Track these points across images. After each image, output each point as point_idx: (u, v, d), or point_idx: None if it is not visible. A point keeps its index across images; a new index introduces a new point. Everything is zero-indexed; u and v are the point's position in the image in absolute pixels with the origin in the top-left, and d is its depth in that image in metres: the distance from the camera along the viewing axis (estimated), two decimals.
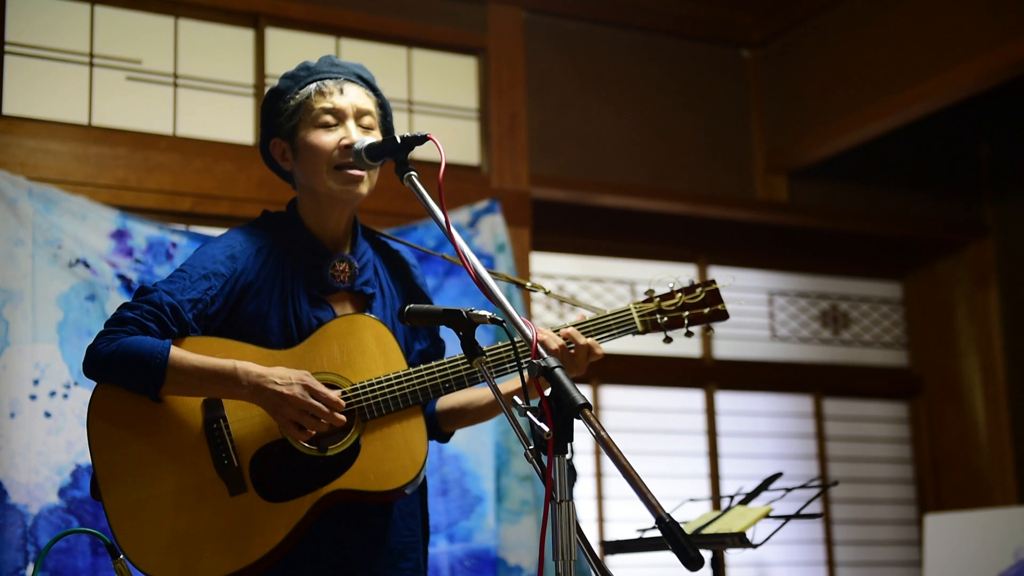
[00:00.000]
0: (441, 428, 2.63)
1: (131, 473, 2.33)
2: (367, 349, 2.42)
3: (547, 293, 2.75)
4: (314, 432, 2.31)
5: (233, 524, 2.32)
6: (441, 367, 2.41)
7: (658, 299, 2.55)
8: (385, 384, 2.38)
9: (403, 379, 2.39)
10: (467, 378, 2.41)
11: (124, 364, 2.29)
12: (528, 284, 2.76)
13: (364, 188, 2.47)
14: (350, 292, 2.53)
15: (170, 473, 2.33)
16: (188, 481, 2.33)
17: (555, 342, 2.41)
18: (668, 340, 2.58)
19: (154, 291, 2.37)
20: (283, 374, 2.29)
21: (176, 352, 2.30)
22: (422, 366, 2.41)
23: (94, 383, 2.39)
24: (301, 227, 2.52)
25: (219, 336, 2.41)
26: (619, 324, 2.51)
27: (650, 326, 2.54)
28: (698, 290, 2.56)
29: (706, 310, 2.55)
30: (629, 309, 2.53)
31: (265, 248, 2.48)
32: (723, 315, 2.56)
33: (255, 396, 2.29)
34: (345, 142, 2.45)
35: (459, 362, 2.41)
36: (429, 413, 2.62)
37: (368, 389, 2.38)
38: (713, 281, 2.58)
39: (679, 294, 2.56)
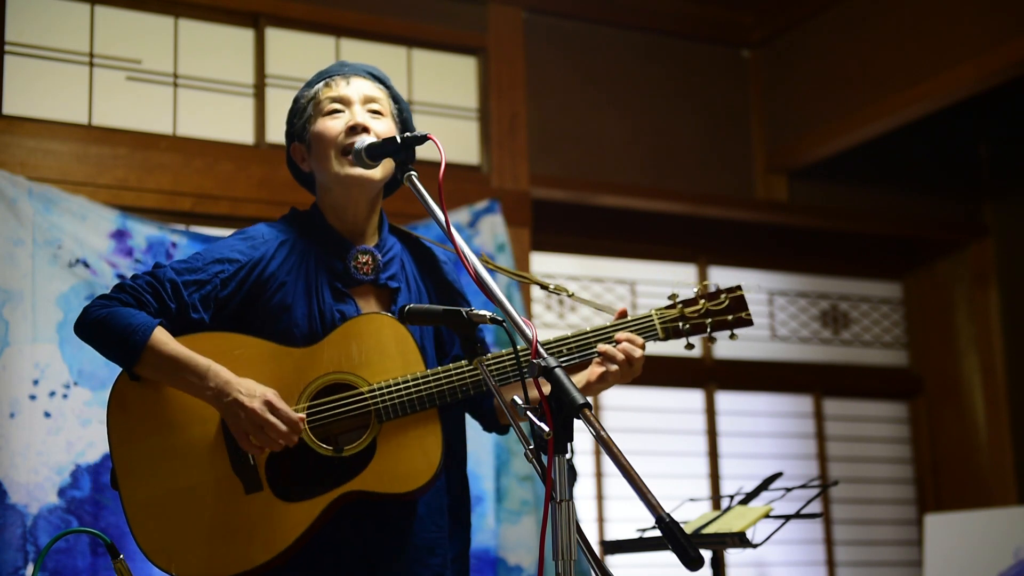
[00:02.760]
0: (499, 421, 2.65)
1: (149, 467, 2.35)
2: (386, 349, 2.41)
3: (571, 295, 2.71)
4: (266, 448, 2.30)
5: (248, 522, 2.32)
6: (459, 370, 2.39)
7: (680, 305, 2.52)
8: (403, 386, 2.37)
9: (420, 381, 2.38)
10: (485, 383, 2.40)
11: (108, 332, 2.32)
12: (551, 286, 2.72)
13: (376, 173, 2.46)
14: (374, 285, 2.52)
15: (187, 469, 2.35)
16: (204, 477, 2.34)
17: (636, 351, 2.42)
18: (690, 347, 2.54)
19: (163, 268, 2.40)
20: (249, 387, 2.29)
21: (159, 335, 2.30)
22: (440, 368, 2.40)
23: (99, 389, 2.40)
24: (323, 222, 2.53)
25: (243, 325, 2.41)
26: (638, 331, 2.48)
27: (671, 333, 2.50)
28: (723, 296, 2.52)
29: (730, 317, 2.51)
30: (651, 316, 2.50)
31: (289, 241, 2.49)
32: (747, 322, 2.52)
33: (217, 399, 2.30)
34: (351, 123, 2.46)
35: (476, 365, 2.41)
36: (489, 406, 2.63)
37: (385, 390, 2.37)
38: (739, 287, 2.53)
39: (703, 300, 2.52)
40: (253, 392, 2.28)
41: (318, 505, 2.33)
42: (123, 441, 2.37)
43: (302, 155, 2.56)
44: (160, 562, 2.31)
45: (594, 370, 2.45)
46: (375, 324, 2.43)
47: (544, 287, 2.74)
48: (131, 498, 2.34)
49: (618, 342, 2.44)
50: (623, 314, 2.53)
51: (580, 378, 2.47)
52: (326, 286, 2.46)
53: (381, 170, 2.47)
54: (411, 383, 2.38)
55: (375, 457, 2.36)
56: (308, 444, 2.35)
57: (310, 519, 2.32)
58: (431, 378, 2.38)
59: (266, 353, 2.38)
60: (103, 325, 2.33)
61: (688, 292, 2.55)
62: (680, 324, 2.50)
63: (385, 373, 2.40)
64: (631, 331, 2.47)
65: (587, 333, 2.47)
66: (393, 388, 2.37)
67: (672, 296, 2.54)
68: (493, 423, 2.66)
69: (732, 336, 2.54)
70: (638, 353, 2.43)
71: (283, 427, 2.28)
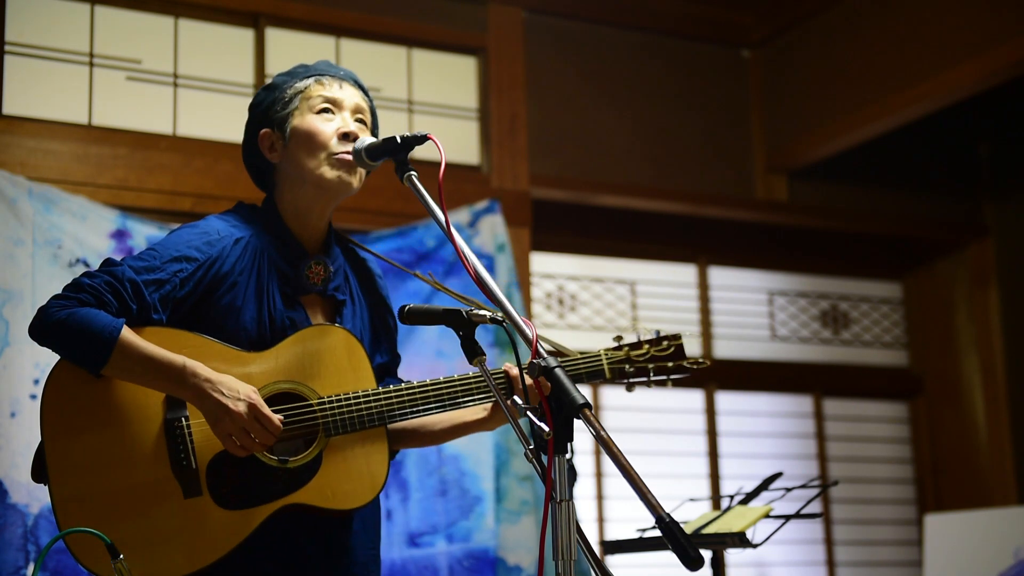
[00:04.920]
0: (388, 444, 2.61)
1: (84, 463, 2.25)
2: (338, 362, 2.37)
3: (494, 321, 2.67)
4: (248, 451, 2.24)
5: (184, 527, 2.25)
6: (410, 390, 2.37)
7: (627, 348, 2.54)
8: (353, 401, 2.34)
9: (371, 398, 2.34)
10: (435, 404, 2.39)
11: (72, 334, 2.21)
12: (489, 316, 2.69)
13: (355, 181, 2.44)
14: (321, 296, 2.48)
15: (125, 468, 2.25)
16: (142, 478, 2.25)
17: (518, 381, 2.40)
18: (630, 389, 2.57)
19: (119, 265, 2.30)
20: (232, 386, 2.22)
21: (127, 335, 2.21)
22: (391, 388, 2.37)
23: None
24: (280, 223, 2.47)
25: (190, 323, 2.33)
26: (588, 369, 2.50)
27: (617, 375, 2.53)
28: (665, 343, 2.56)
29: (670, 364, 2.56)
30: (600, 356, 2.52)
31: (243, 240, 2.41)
32: (685, 370, 2.57)
33: (197, 400, 2.22)
34: (343, 130, 2.42)
35: (428, 387, 2.38)
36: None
37: (335, 404, 2.33)
38: (679, 336, 2.58)
39: (647, 345, 2.56)
40: (237, 393, 2.21)
41: (259, 515, 2.27)
42: (58, 434, 2.25)
43: (271, 143, 2.48)
44: (89, 563, 2.21)
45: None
46: (331, 337, 2.39)
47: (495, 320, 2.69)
48: (63, 495, 2.23)
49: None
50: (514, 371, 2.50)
51: (477, 411, 2.50)
52: (277, 291, 2.41)
53: (358, 179, 2.45)
54: (362, 399, 2.34)
55: (320, 471, 2.31)
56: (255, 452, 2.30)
57: (249, 528, 2.26)
58: (382, 396, 2.35)
59: (214, 353, 2.30)
60: (65, 328, 2.21)
61: (632, 336, 2.58)
62: (626, 366, 2.53)
63: (336, 387, 2.35)
64: (580, 368, 2.49)
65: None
66: (344, 403, 2.33)
67: (617, 338, 2.57)
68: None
69: (668, 383, 2.58)
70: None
71: (268, 433, 2.23)
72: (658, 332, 2.59)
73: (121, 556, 2.10)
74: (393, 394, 2.36)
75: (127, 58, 4.58)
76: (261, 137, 2.50)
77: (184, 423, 2.28)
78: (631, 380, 2.55)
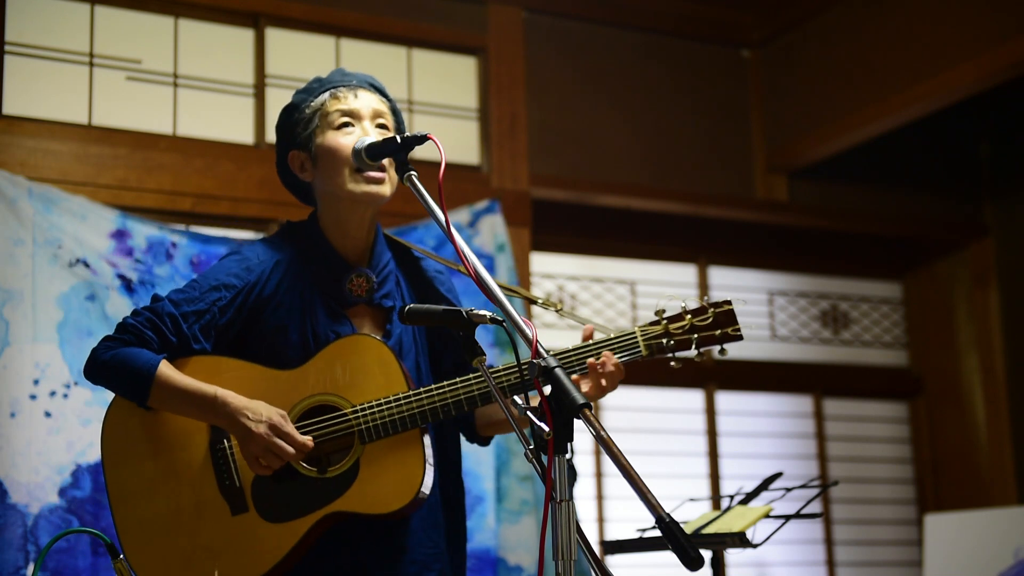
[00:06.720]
0: (479, 433, 2.65)
1: (140, 490, 2.41)
2: (369, 370, 2.41)
3: (559, 311, 2.69)
4: (272, 469, 2.34)
5: (235, 543, 2.36)
6: (440, 390, 2.38)
7: (666, 322, 2.47)
8: (384, 407, 2.37)
9: (402, 402, 2.37)
10: (466, 402, 2.38)
11: (116, 374, 2.37)
12: (540, 300, 2.70)
13: (387, 190, 2.47)
14: (369, 305, 2.52)
15: (176, 492, 2.40)
16: (192, 500, 2.39)
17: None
18: (677, 363, 2.51)
19: (162, 300, 2.42)
20: (257, 410, 2.33)
21: (164, 370, 2.35)
22: (423, 389, 2.39)
23: (99, 389, 2.46)
24: (321, 239, 2.52)
25: (241, 347, 2.45)
26: (622, 348, 2.44)
27: (655, 350, 2.46)
28: (710, 311, 2.48)
29: (717, 332, 2.47)
30: (634, 333, 2.46)
31: (284, 261, 2.48)
32: (736, 337, 2.48)
33: (229, 426, 2.35)
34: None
35: (458, 385, 2.38)
36: (470, 418, 2.63)
37: (367, 411, 2.37)
38: (728, 302, 2.50)
39: (688, 316, 2.47)
40: (260, 416, 2.31)
41: (303, 526, 2.35)
42: (116, 464, 2.43)
43: (301, 164, 2.53)
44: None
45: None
46: (360, 346, 2.43)
47: (533, 301, 2.72)
48: (123, 523, 2.40)
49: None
50: (590, 335, 2.48)
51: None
52: (320, 307, 2.46)
53: (390, 185, 2.47)
54: (393, 404, 2.37)
55: (358, 478, 2.36)
56: (293, 465, 2.38)
57: (295, 540, 2.34)
58: (413, 399, 2.37)
59: (255, 375, 2.41)
60: (110, 368, 2.37)
61: (674, 308, 2.51)
62: (664, 340, 2.45)
63: (368, 394, 2.39)
64: (613, 348, 2.43)
65: (568, 352, 2.45)
66: (375, 409, 2.37)
67: (659, 312, 2.49)
68: (473, 434, 2.65)
69: (721, 352, 2.50)
70: (610, 369, 2.41)
71: (290, 449, 2.31)
72: (707, 300, 2.52)
73: (122, 556, 2.16)
74: (424, 395, 2.38)
75: (127, 58, 4.58)
76: (291, 159, 2.56)
77: (227, 445, 2.40)
78: (673, 354, 2.47)
